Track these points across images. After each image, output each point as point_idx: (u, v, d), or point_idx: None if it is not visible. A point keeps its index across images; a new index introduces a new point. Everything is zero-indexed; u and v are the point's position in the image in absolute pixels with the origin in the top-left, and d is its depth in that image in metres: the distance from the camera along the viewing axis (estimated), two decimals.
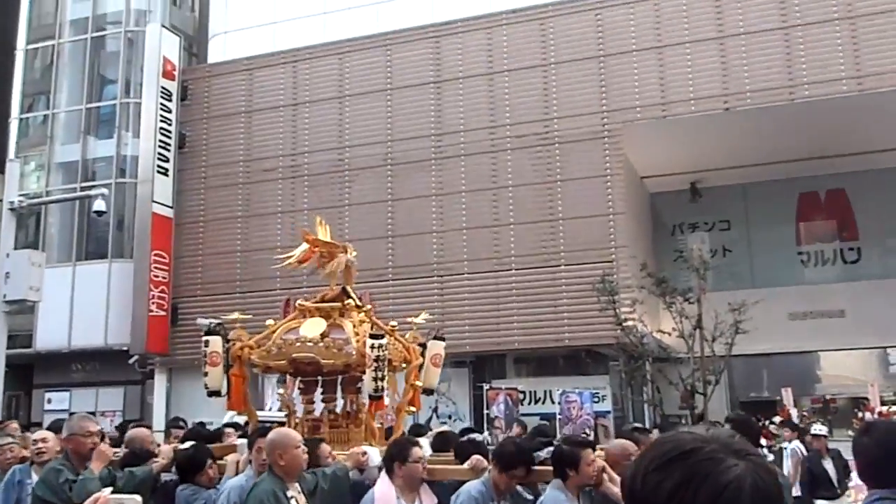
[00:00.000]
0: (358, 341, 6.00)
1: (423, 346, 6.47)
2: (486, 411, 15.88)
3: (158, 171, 19.61)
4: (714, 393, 14.92)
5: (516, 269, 17.07)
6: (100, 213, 17.95)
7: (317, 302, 6.47)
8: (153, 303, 19.08)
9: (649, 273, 15.15)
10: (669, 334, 14.77)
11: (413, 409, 6.65)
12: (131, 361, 19.47)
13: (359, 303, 6.53)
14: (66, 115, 22.45)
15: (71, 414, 19.02)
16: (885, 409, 19.27)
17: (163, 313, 19.28)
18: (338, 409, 6.33)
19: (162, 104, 19.91)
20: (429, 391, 6.61)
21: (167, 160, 19.87)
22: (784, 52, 16.15)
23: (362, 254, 20.32)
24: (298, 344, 6.06)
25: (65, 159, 22.19)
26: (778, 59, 16.18)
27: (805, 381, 20.61)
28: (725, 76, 16.45)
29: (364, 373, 5.99)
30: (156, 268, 19.26)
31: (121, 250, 20.72)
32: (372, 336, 5.85)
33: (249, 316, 6.76)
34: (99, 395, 20.38)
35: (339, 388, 6.31)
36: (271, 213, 19.23)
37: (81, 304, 20.14)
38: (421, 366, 6.37)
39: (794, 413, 17.83)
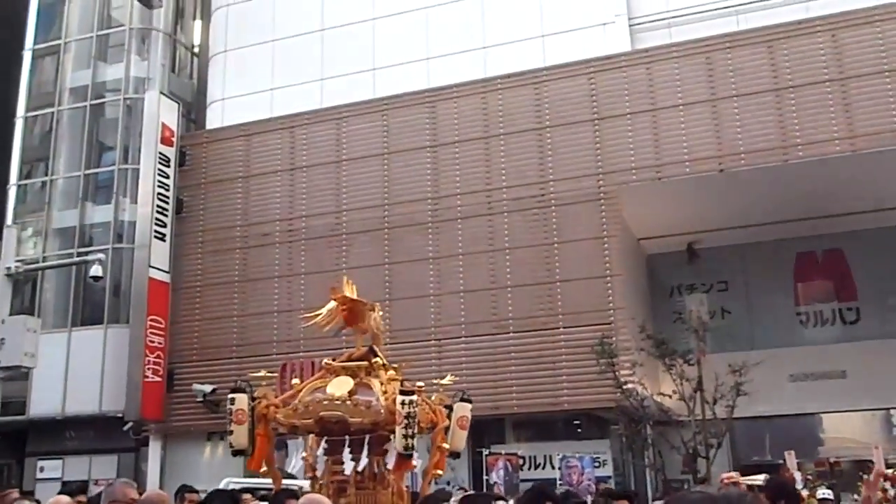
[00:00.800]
0: (387, 399, 5.93)
1: (450, 407, 6.31)
2: (485, 477, 15.64)
3: (156, 237, 19.62)
4: (716, 456, 14.74)
5: (514, 332, 16.99)
6: (96, 278, 17.93)
7: (343, 361, 6.43)
8: (149, 368, 18.91)
9: (648, 335, 15.07)
10: (670, 397, 14.64)
11: (440, 472, 6.55)
12: (126, 428, 19.21)
13: (385, 362, 6.49)
14: (65, 182, 22.58)
15: (64, 483, 18.75)
16: (890, 472, 19.03)
17: (158, 379, 19.08)
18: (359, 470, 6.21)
19: (160, 170, 20.00)
20: (455, 454, 6.49)
21: (164, 225, 19.89)
22: (777, 114, 16.32)
23: None
24: (326, 402, 5.97)
25: (62, 225, 22.25)
26: (771, 121, 16.34)
27: (808, 444, 20.34)
28: (719, 138, 16.59)
29: (392, 432, 5.92)
30: (152, 333, 19.13)
31: (117, 316, 20.62)
32: (402, 392, 5.74)
33: (275, 374, 6.70)
34: (92, 462, 20.07)
35: (365, 448, 6.19)
36: (268, 278, 19.19)
37: (76, 371, 19.98)
38: (447, 428, 6.22)
39: (798, 477, 17.57)
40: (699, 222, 18.65)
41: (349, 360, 6.45)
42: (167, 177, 20.17)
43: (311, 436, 6.49)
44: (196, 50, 24.36)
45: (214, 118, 21.87)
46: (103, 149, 22.96)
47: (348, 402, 5.90)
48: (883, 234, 18.96)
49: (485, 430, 17.29)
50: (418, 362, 16.07)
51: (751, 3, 18.00)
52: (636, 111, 17.17)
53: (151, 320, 19.19)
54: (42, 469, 20.36)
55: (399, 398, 5.69)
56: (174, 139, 20.51)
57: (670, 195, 17.50)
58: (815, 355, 19.12)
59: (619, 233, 17.01)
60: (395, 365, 6.61)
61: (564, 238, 17.11)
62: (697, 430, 14.51)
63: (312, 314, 6.67)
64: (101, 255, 18.43)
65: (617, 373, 14.60)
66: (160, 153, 20.08)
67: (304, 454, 6.60)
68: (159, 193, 19.89)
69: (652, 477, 16.49)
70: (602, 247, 16.85)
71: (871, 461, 17.78)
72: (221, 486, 11.19)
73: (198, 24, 24.54)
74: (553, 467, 16.49)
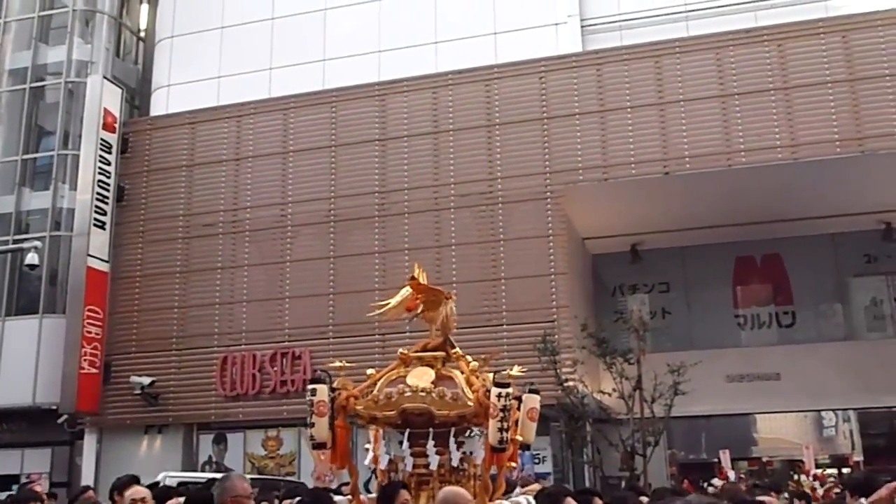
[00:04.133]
0: (474, 391, 5.76)
1: (519, 399, 6.11)
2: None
3: (95, 225, 19.18)
4: (653, 454, 14.96)
5: (458, 328, 16.93)
6: (32, 266, 17.50)
7: (417, 351, 6.25)
8: (85, 360, 18.47)
9: (590, 333, 15.22)
10: (610, 395, 14.81)
11: (514, 465, 6.37)
12: (60, 421, 18.78)
13: (461, 352, 6.30)
14: (1, 166, 21.90)
15: None
16: (819, 471, 19.56)
17: (95, 371, 18.67)
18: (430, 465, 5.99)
19: (101, 156, 19.55)
20: (526, 446, 6.31)
21: (104, 213, 19.45)
22: (722, 120, 16.59)
23: (303, 311, 20.16)
24: (409, 394, 5.82)
25: None
26: (716, 126, 16.60)
27: (742, 444, 20.77)
28: (665, 141, 16.80)
29: (477, 425, 5.78)
30: (89, 324, 18.70)
31: (53, 305, 20.11)
32: (497, 384, 5.57)
33: (353, 364, 6.47)
34: (25, 456, 19.58)
35: (452, 441, 5.96)
36: (210, 269, 18.91)
37: (10, 361, 19.43)
38: (517, 420, 6.01)
39: (731, 475, 17.93)
40: (643, 224, 18.87)
41: (424, 349, 6.28)
42: (108, 164, 19.73)
43: (375, 428, 6.27)
44: (142, 34, 23.88)
45: (159, 105, 21.47)
46: (42, 133, 22.37)
47: (433, 394, 5.77)
48: (819, 241, 19.43)
49: None
50: (361, 356, 15.99)
51: (701, 10, 18.28)
52: (585, 112, 17.30)
53: (89, 310, 18.76)
54: None
55: (495, 390, 5.54)
56: (117, 125, 20.06)
57: (615, 196, 17.68)
58: (751, 357, 19.49)
59: (564, 232, 17.12)
60: (484, 356, 6.47)
61: (510, 235, 17.17)
62: (636, 428, 14.71)
63: (383, 302, 6.47)
64: (37, 243, 17.99)
65: (558, 370, 14.70)
66: (102, 139, 19.63)
67: (367, 446, 6.32)
68: (100, 181, 19.44)
69: (590, 474, 16.67)
70: (547, 245, 16.95)
71: (801, 461, 18.22)
72: (157, 479, 10.99)
73: (144, 7, 24.04)
74: None
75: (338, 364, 6.30)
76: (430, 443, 5.88)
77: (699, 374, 14.55)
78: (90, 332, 18.70)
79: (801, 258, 19.92)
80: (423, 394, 5.80)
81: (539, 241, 16.97)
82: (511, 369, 6.06)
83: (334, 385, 6.06)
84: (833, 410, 20.75)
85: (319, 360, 17.35)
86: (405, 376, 6.06)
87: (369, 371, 6.29)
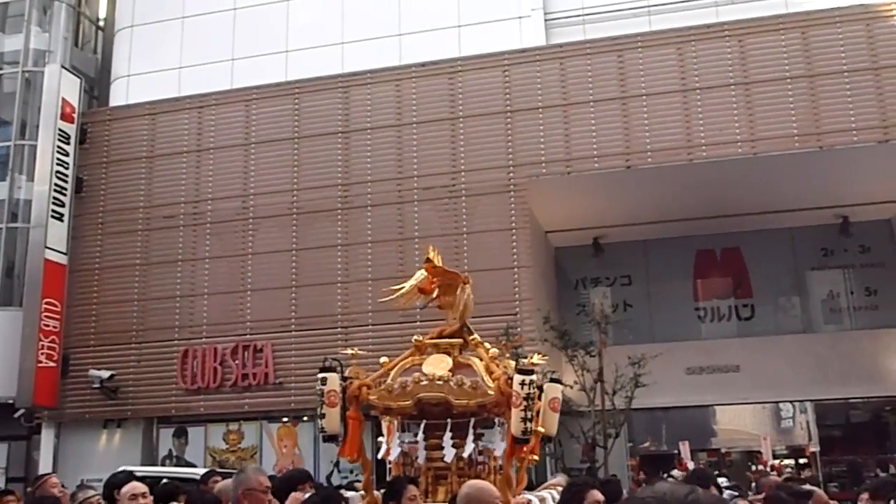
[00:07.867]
0: (494, 379, 5.52)
1: (540, 388, 5.79)
2: (388, 465, 15.63)
3: (53, 216, 18.88)
4: (614, 446, 15.10)
5: (421, 321, 16.97)
6: None
7: (433, 338, 6.00)
8: (42, 353, 18.20)
9: (552, 326, 15.30)
10: (571, 387, 14.89)
11: (535, 457, 6.05)
12: (17, 415, 18.49)
13: (479, 339, 6.04)
14: None
15: None
16: (776, 462, 19.87)
17: (52, 364, 18.41)
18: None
19: (59, 147, 19.25)
20: (548, 438, 6.01)
21: (62, 205, 19.17)
22: (683, 114, 16.73)
23: (265, 304, 19.99)
24: (425, 382, 5.54)
25: None
26: (677, 121, 16.74)
27: (701, 435, 21.03)
28: (627, 135, 16.91)
29: (498, 414, 5.53)
30: (46, 317, 18.42)
31: (10, 298, 19.77)
32: (520, 371, 5.29)
33: (365, 352, 6.19)
34: None
35: (471, 432, 5.67)
36: (171, 262, 18.72)
37: None
38: (538, 411, 5.70)
39: (690, 466, 18.16)
40: (605, 217, 19.00)
41: (440, 336, 6.03)
42: (67, 154, 19.42)
43: (388, 419, 6.04)
44: (101, 23, 23.49)
45: (118, 95, 21.15)
46: None
47: (451, 382, 5.50)
48: (777, 235, 19.70)
49: None
50: (324, 350, 15.92)
51: (663, 4, 18.40)
52: (548, 105, 17.36)
53: (46, 303, 18.47)
54: None
55: (518, 378, 5.26)
56: (75, 115, 19.76)
57: (578, 189, 17.77)
58: (711, 349, 19.72)
59: (527, 225, 17.17)
60: (504, 342, 6.21)
61: (473, 228, 17.19)
62: (597, 420, 14.83)
63: (397, 287, 6.23)
64: None
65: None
66: (60, 130, 19.32)
67: (380, 438, 6.07)
68: (58, 172, 19.15)
69: (552, 465, 16.76)
70: (510, 238, 17.00)
71: (759, 451, 18.51)
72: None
73: None
74: None
75: (350, 352, 6.04)
76: (447, 434, 5.60)
77: (660, 367, 14.69)
78: (48, 325, 18.42)
79: (760, 252, 20.18)
80: (439, 382, 5.53)
81: (502, 234, 17.01)
82: (532, 357, 5.79)
83: (346, 374, 5.80)
84: (791, 402, 21.08)
85: (281, 353, 17.30)
86: (420, 364, 5.81)
87: (382, 359, 6.10)
